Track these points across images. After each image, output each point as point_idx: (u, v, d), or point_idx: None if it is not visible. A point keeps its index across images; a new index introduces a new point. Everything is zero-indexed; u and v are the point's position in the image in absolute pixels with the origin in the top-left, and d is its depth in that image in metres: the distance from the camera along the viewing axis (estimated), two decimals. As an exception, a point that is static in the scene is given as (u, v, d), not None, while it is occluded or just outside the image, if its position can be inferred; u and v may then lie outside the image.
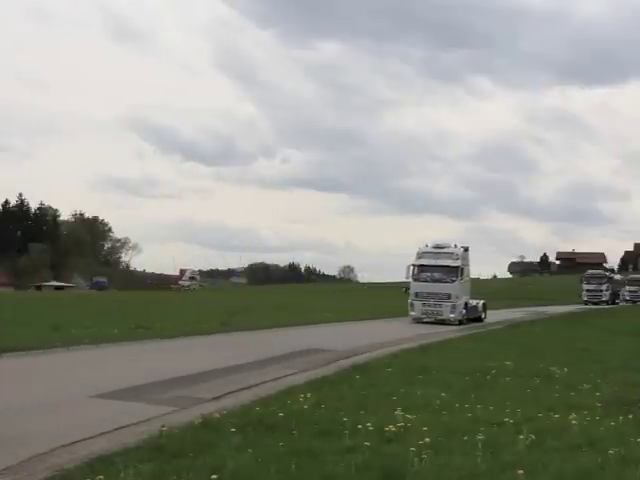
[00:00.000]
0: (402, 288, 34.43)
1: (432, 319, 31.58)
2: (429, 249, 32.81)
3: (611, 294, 65.87)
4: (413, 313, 32.08)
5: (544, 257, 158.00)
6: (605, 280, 66.68)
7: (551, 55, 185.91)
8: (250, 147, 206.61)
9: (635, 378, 12.78)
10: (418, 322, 31.27)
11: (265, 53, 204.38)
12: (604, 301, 63.86)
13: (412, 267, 32.50)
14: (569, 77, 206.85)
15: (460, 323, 31.15)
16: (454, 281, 31.66)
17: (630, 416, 9.01)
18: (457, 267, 31.88)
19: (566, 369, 13.53)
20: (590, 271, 70.87)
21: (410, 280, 32.39)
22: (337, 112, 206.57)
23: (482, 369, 13.31)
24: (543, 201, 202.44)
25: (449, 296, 31.40)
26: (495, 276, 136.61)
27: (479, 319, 33.61)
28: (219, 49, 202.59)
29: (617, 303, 66.10)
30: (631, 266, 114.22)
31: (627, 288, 73.16)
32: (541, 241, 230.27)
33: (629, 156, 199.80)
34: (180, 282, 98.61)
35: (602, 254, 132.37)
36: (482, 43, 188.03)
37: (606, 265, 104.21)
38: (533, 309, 49.07)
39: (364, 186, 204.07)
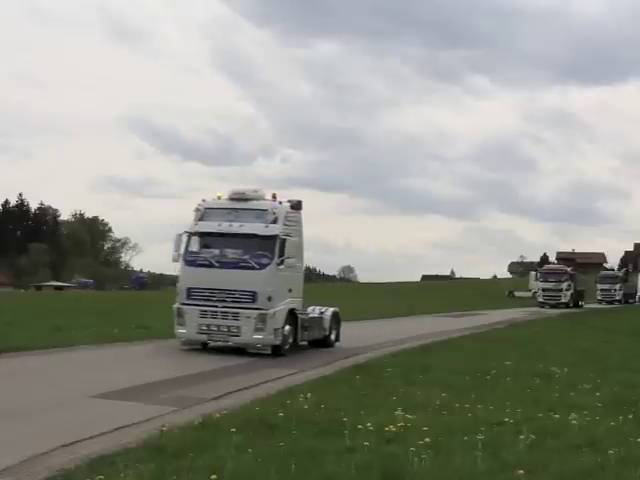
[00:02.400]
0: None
1: (221, 343, 16.57)
2: (221, 202, 17.38)
3: (573, 294, 55.25)
4: (182, 330, 16.68)
5: (544, 257, 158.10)
6: (565, 277, 55.15)
7: (550, 54, 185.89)
8: (250, 147, 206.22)
9: (635, 378, 12.79)
10: (194, 348, 16.92)
11: (263, 52, 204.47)
12: (563, 303, 53.36)
13: (185, 237, 17.17)
14: (568, 76, 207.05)
15: (277, 351, 16.23)
16: (265, 266, 16.27)
17: (630, 416, 9.02)
18: (273, 237, 16.40)
19: (566, 369, 13.54)
20: (547, 266, 62.93)
21: (180, 264, 17.10)
22: (336, 112, 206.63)
23: (482, 369, 13.32)
24: (543, 201, 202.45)
25: (253, 297, 16.10)
26: (495, 276, 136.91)
27: (324, 341, 18.79)
28: (217, 49, 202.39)
29: (581, 305, 56.16)
30: (631, 266, 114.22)
31: (599, 287, 65.91)
32: (541, 241, 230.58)
33: (629, 156, 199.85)
34: None
35: (602, 254, 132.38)
36: (481, 42, 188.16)
37: (606, 265, 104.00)
38: (533, 309, 49.16)
39: (364, 186, 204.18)
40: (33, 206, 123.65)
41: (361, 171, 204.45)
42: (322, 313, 19.10)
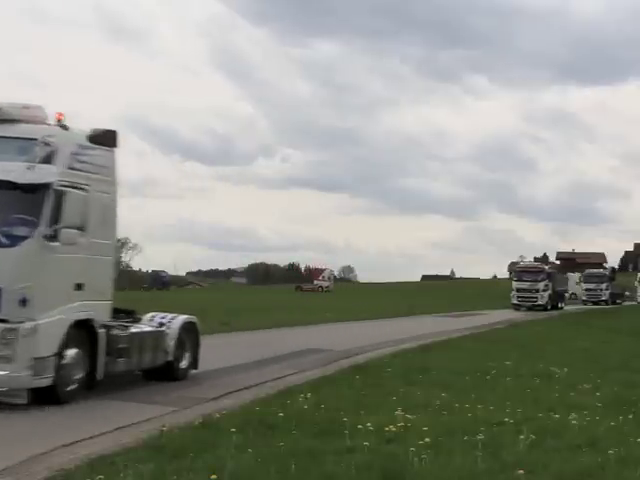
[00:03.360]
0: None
1: None
2: None
3: (551, 295, 48.98)
4: None
5: (544, 257, 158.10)
6: (542, 277, 48.51)
7: (549, 54, 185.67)
8: (249, 147, 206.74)
9: (635, 378, 12.79)
10: None
11: (261, 51, 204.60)
12: (540, 305, 47.32)
13: None
14: (567, 76, 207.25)
15: (46, 398, 9.20)
16: (20, 239, 9.22)
17: (630, 416, 9.02)
18: (41, 188, 9.32)
19: (566, 369, 13.54)
20: (522, 264, 57.23)
21: None
22: (335, 111, 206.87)
23: (482, 369, 13.32)
24: (542, 201, 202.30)
25: None
26: (495, 276, 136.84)
27: (171, 370, 12.09)
28: (215, 47, 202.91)
29: (561, 307, 50.37)
30: (631, 266, 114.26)
31: (583, 286, 62.66)
32: (541, 241, 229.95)
33: (628, 156, 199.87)
34: (316, 282, 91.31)
35: (602, 254, 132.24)
36: (480, 42, 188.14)
37: (606, 265, 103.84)
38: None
39: (364, 186, 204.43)
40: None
41: (361, 171, 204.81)
42: (163, 325, 12.13)
